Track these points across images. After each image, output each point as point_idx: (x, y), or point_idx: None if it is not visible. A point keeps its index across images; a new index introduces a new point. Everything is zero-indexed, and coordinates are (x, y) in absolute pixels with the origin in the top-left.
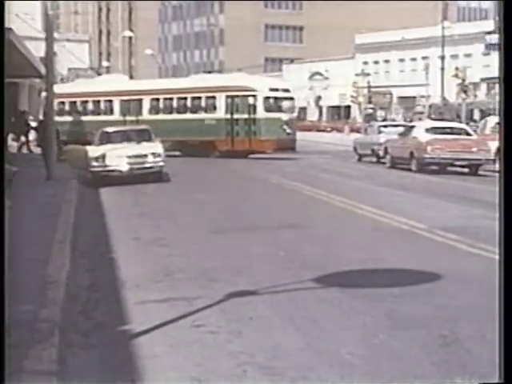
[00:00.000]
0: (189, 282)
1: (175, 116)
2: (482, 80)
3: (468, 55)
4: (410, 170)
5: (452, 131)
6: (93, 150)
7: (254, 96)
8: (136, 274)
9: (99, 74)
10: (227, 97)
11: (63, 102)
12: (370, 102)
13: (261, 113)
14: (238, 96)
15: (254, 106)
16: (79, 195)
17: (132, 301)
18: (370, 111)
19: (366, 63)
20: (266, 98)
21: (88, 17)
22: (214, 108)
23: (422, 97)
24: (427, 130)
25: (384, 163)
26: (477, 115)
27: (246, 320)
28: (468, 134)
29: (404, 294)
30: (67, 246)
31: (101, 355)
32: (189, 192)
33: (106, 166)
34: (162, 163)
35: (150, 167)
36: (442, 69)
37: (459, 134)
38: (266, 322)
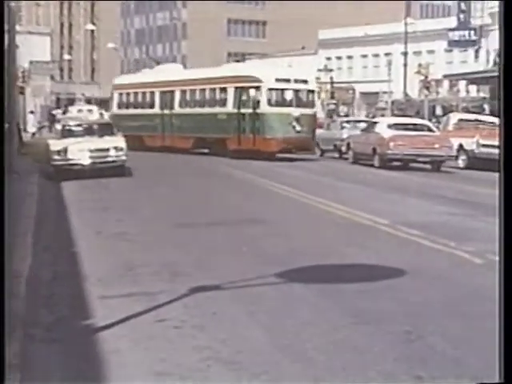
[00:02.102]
0: (152, 276)
1: (196, 110)
2: (445, 76)
3: (431, 52)
4: (372, 165)
5: (415, 127)
6: (55, 144)
7: (257, 88)
8: (99, 269)
9: (158, 63)
10: (236, 89)
11: (123, 94)
12: (332, 98)
13: (264, 107)
14: (243, 88)
15: (258, 100)
16: (41, 189)
17: (95, 295)
18: (333, 107)
19: (328, 59)
20: (271, 90)
21: (50, 9)
22: (225, 102)
23: (385, 93)
24: (390, 126)
25: (346, 159)
26: (439, 111)
27: (209, 315)
28: (430, 131)
29: (367, 289)
30: (29, 240)
31: (63, 350)
32: (152, 187)
33: (67, 159)
34: (124, 157)
35: (113, 161)
36: (405, 65)
37: (422, 130)
38: (230, 316)
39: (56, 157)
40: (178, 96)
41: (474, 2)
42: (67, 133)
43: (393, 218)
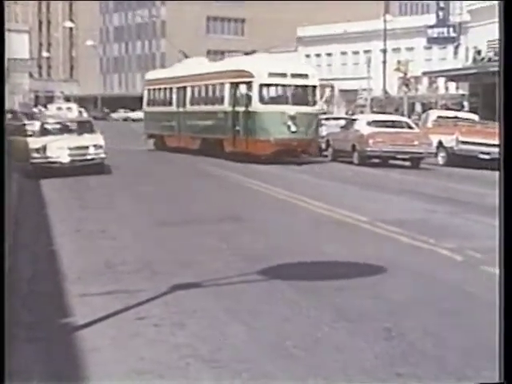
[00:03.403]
0: (131, 274)
1: (202, 108)
2: (424, 74)
3: (410, 49)
4: (351, 163)
5: (394, 124)
6: (33, 142)
7: (248, 83)
8: (78, 267)
9: (186, 57)
10: (231, 84)
11: (150, 90)
12: None
13: (255, 105)
14: (237, 83)
15: (249, 97)
16: (20, 187)
17: (74, 293)
18: None
19: (308, 56)
20: (262, 86)
21: (28, 7)
22: (222, 99)
23: (364, 90)
24: (369, 123)
25: (326, 156)
26: (418, 108)
27: (189, 313)
28: (410, 128)
29: (347, 286)
30: (8, 238)
31: (43, 348)
32: (132, 184)
33: (46, 157)
34: (103, 155)
35: (92, 159)
36: (384, 62)
37: (401, 127)
38: (210, 314)
39: (35, 155)
40: (189, 93)
41: None
42: (46, 131)
43: (372, 215)
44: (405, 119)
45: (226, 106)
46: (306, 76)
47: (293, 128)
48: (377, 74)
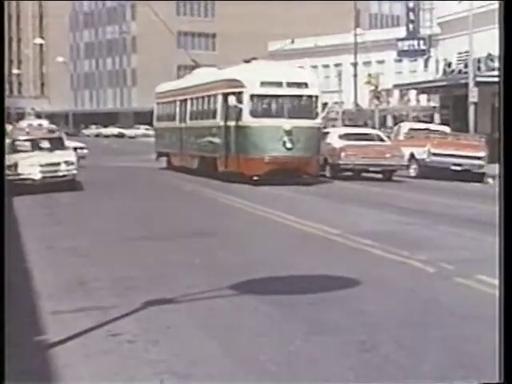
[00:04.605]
0: (104, 291)
1: (199, 123)
2: (395, 86)
3: (380, 62)
4: (324, 175)
5: (366, 137)
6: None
7: (239, 94)
8: (50, 284)
9: (197, 66)
10: (223, 96)
11: (159, 104)
12: None
13: (246, 118)
14: (227, 94)
15: (240, 109)
16: None
17: (47, 311)
18: None
19: None
20: (254, 97)
21: None
22: (215, 112)
23: (335, 103)
24: (341, 137)
25: None
26: (390, 121)
27: (163, 328)
28: (382, 140)
29: (320, 299)
30: None
31: (16, 366)
32: (104, 200)
33: (18, 174)
34: (75, 171)
35: (63, 175)
36: (355, 75)
37: (373, 140)
38: (183, 330)
39: (7, 172)
40: (188, 106)
41: (422, 11)
42: (17, 148)
43: (345, 228)
44: (376, 132)
45: (219, 120)
46: (304, 85)
47: (289, 145)
48: (348, 87)
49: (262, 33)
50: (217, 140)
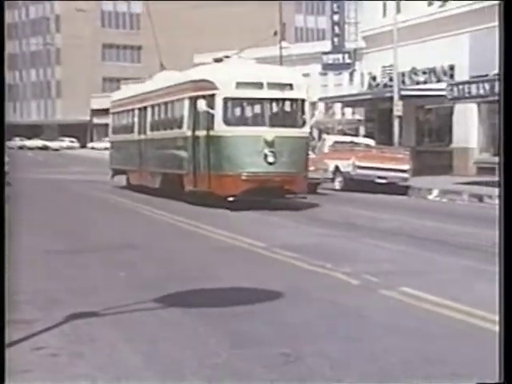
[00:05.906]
0: (26, 304)
1: (161, 134)
2: (320, 99)
3: (306, 75)
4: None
5: None
6: None
7: (210, 97)
8: None
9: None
10: (190, 100)
11: (115, 114)
12: None
13: (219, 127)
14: (197, 98)
15: (212, 116)
16: None
17: None
18: None
19: None
20: (228, 100)
21: None
22: (181, 121)
23: None
24: None
25: None
26: (315, 134)
27: (87, 342)
28: None
29: (244, 312)
30: None
31: None
32: (27, 211)
33: None
34: None
35: None
36: None
37: None
38: (108, 343)
39: None
40: (149, 115)
41: (348, 25)
42: None
43: (270, 241)
44: None
45: (185, 129)
46: (289, 86)
47: (270, 158)
48: None
49: (187, 45)
50: (183, 154)
